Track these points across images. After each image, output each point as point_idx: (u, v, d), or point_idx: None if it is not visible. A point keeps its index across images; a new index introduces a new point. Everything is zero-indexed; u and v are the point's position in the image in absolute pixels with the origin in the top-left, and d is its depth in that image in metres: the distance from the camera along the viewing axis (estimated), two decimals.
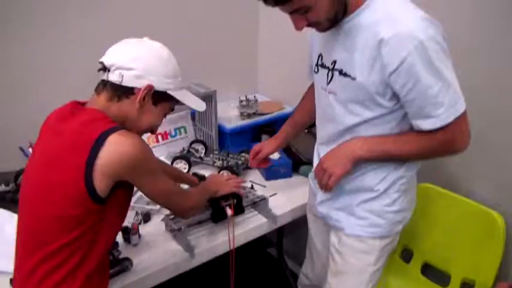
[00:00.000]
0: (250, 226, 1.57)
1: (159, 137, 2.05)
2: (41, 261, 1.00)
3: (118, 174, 1.01)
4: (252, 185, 1.80)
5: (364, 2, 1.13)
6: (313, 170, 1.54)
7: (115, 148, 0.98)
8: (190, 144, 2.03)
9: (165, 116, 1.19)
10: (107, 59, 1.07)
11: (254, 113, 2.11)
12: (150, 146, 2.02)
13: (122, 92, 1.06)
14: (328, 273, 1.45)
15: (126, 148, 0.99)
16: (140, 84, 1.06)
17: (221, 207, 1.48)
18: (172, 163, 1.89)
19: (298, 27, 1.14)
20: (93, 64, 1.11)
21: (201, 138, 2.10)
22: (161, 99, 1.12)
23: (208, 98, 1.96)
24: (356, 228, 1.34)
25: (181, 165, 1.89)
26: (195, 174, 1.64)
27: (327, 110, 1.29)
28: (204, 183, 1.49)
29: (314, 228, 1.60)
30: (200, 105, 1.27)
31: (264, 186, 1.81)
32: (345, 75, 1.18)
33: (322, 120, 1.35)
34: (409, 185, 1.32)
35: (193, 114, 2.13)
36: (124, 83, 1.05)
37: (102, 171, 0.98)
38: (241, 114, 2.11)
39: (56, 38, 1.76)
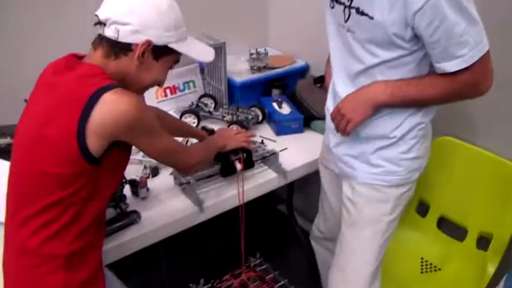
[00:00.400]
0: (259, 181, 1.54)
1: (168, 91, 2.01)
2: (34, 215, 0.97)
3: (113, 134, 0.95)
4: (262, 140, 1.75)
5: None
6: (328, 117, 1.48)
7: (110, 107, 0.92)
8: (199, 98, 1.98)
9: (171, 68, 1.12)
10: (101, 13, 0.99)
11: (264, 67, 2.04)
12: (158, 100, 1.98)
13: (118, 48, 0.99)
14: (342, 224, 1.42)
15: (122, 107, 0.93)
16: (138, 39, 0.98)
17: (230, 162, 1.44)
18: (180, 118, 1.85)
19: None
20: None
21: (210, 93, 2.05)
22: (163, 54, 1.04)
23: (217, 50, 1.89)
24: (370, 176, 1.30)
25: (190, 120, 1.85)
26: (204, 128, 1.60)
27: (346, 47, 1.22)
28: (211, 138, 1.45)
29: (326, 180, 1.56)
30: (207, 55, 1.18)
31: (274, 141, 1.77)
32: (362, 13, 1.11)
33: (340, 56, 1.27)
34: (426, 131, 1.28)
35: (202, 67, 2.07)
36: (120, 39, 0.98)
37: (95, 132, 0.92)
38: (251, 67, 2.05)
39: None
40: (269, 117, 1.89)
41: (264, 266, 1.90)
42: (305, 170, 1.67)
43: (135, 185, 1.42)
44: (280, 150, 1.60)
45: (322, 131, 1.80)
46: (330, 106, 1.38)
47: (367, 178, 1.31)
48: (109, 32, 0.98)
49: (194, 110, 1.86)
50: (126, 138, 0.99)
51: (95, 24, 1.00)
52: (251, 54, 2.04)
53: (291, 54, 2.20)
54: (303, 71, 2.15)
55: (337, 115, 1.24)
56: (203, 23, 1.98)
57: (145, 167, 1.55)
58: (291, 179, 1.62)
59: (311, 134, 1.84)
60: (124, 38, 0.98)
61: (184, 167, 1.23)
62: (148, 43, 0.99)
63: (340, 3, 1.19)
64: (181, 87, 2.04)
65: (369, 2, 1.09)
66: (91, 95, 0.92)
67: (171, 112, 1.96)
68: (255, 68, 2.04)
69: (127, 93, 0.95)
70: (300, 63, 2.13)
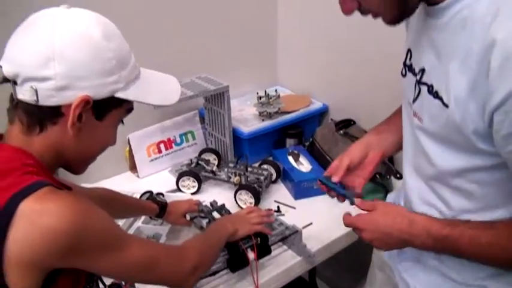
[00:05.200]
0: (281, 269, 1.19)
1: (162, 146, 1.68)
2: None
3: (46, 263, 0.63)
4: (278, 207, 1.43)
5: None
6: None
7: (33, 224, 0.61)
8: (200, 154, 1.66)
9: (121, 122, 0.81)
10: (6, 64, 0.67)
11: (276, 112, 1.72)
12: (151, 158, 1.65)
13: (42, 116, 0.69)
14: None
15: (50, 221, 0.61)
16: (67, 99, 0.67)
17: (241, 251, 1.11)
18: (178, 180, 1.52)
19: (345, 9, 0.77)
20: None
21: (213, 146, 1.72)
22: (108, 108, 0.74)
23: (220, 96, 1.57)
24: None
25: (189, 183, 1.52)
26: (154, 199, 1.28)
27: (414, 137, 0.87)
28: (215, 224, 1.12)
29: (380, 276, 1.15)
30: (169, 96, 0.82)
31: (294, 208, 1.44)
32: (436, 95, 0.75)
33: (410, 145, 0.91)
34: None
35: (202, 115, 1.75)
36: (42, 103, 0.67)
37: (18, 264, 0.61)
38: (260, 113, 1.72)
39: None
40: (285, 174, 1.55)
41: None
42: (336, 247, 1.33)
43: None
44: (304, 227, 1.26)
45: None
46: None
47: None
48: (24, 95, 0.66)
49: (193, 171, 1.53)
50: (69, 264, 0.66)
51: (1, 82, 0.68)
52: (259, 97, 1.72)
53: (306, 93, 1.87)
54: (321, 115, 1.82)
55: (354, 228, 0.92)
56: (200, 62, 1.70)
57: None
58: (318, 261, 1.28)
59: None
60: (47, 101, 0.67)
61: (176, 279, 0.85)
62: (85, 101, 0.68)
63: (413, 71, 0.84)
64: (178, 141, 1.72)
65: (444, 79, 0.72)
66: (3, 207, 0.60)
67: (166, 172, 1.66)
68: (265, 114, 1.71)
69: (57, 197, 0.63)
70: (317, 104, 1.81)
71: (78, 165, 0.79)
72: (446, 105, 0.72)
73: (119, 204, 1.17)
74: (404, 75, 0.89)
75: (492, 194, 0.77)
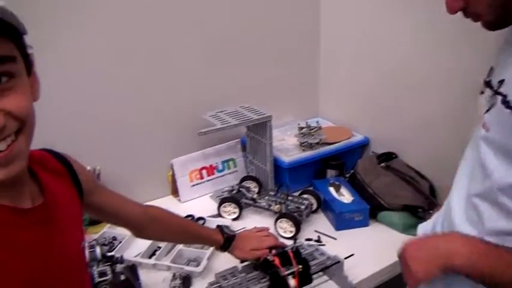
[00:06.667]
0: None
1: (204, 172, 1.72)
2: None
3: None
4: (318, 237, 1.42)
5: None
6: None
7: None
8: (241, 181, 1.68)
9: None
10: None
11: (317, 143, 1.73)
12: (193, 183, 1.69)
13: None
14: None
15: None
16: None
17: (281, 277, 1.11)
18: (219, 206, 1.54)
19: (450, 7, 0.83)
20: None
21: (253, 174, 1.74)
22: None
23: (262, 125, 1.61)
24: None
25: (231, 209, 1.54)
26: (221, 229, 1.25)
27: (475, 150, 0.89)
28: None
29: None
30: None
31: (334, 239, 1.43)
32: (508, 105, 0.77)
33: (469, 160, 0.94)
34: None
35: (243, 144, 1.79)
36: None
37: None
38: (301, 144, 1.74)
39: None
40: (325, 205, 1.55)
41: None
42: (377, 280, 1.30)
43: None
44: (346, 258, 1.24)
45: (392, 224, 1.46)
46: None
47: None
48: None
49: (234, 197, 1.55)
50: None
51: None
52: (301, 128, 1.74)
53: (347, 125, 1.88)
54: (362, 147, 1.83)
55: (403, 262, 0.91)
56: (243, 93, 1.75)
57: (174, 277, 1.23)
58: None
59: (379, 227, 1.48)
60: None
61: None
62: None
63: (491, 86, 0.86)
64: (220, 167, 1.75)
65: None
66: None
67: (206, 197, 1.69)
68: (306, 144, 1.73)
69: None
70: (358, 137, 1.81)
71: None
72: None
73: (175, 226, 1.17)
74: (482, 93, 0.90)
75: None
